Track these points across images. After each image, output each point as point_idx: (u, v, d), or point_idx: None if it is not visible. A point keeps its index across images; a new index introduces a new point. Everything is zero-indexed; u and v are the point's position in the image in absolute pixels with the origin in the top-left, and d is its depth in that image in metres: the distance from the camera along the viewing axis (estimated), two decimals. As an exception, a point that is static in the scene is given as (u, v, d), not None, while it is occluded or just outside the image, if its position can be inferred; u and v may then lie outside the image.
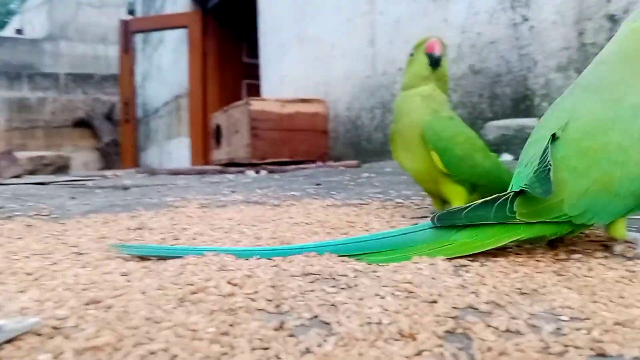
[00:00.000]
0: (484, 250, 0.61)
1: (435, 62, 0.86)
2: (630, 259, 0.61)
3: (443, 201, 0.92)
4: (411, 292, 0.50)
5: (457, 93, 2.57)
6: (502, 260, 0.60)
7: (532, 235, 0.62)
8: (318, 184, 1.48)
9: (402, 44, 2.93)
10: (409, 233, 0.63)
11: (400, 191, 1.31)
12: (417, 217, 0.90)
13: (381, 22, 3.10)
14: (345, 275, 0.56)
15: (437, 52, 0.85)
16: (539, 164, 0.60)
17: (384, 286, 0.52)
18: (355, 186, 1.45)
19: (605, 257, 0.62)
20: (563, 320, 0.44)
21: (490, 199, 0.61)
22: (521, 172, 0.65)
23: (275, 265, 0.60)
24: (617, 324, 0.42)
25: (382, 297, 0.49)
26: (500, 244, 0.61)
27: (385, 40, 3.08)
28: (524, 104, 2.23)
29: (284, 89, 4.19)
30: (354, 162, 2.85)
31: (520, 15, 2.23)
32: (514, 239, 0.61)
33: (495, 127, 2.07)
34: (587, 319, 0.44)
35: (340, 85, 3.54)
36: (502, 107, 2.34)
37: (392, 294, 0.50)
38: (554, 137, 0.62)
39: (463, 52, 2.52)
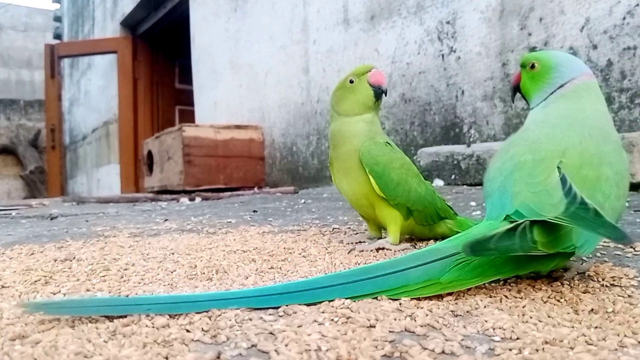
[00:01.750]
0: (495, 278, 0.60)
1: (380, 95, 0.88)
2: (555, 279, 0.64)
3: (379, 227, 0.94)
4: (349, 318, 0.50)
5: (390, 121, 2.64)
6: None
7: (541, 268, 0.61)
8: (255, 211, 1.47)
9: (335, 72, 2.99)
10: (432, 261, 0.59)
11: (337, 217, 1.32)
12: (354, 242, 0.91)
13: (314, 51, 3.15)
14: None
15: (384, 85, 0.88)
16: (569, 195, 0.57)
17: (322, 312, 0.52)
18: (292, 212, 1.45)
19: (533, 279, 0.64)
20: (495, 341, 0.45)
21: (511, 227, 0.56)
22: (514, 193, 0.62)
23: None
24: (546, 342, 0.44)
25: (320, 324, 0.49)
26: (515, 274, 0.60)
27: (319, 68, 3.13)
28: (453, 131, 2.32)
29: (219, 115, 4.17)
30: (290, 188, 2.85)
31: (447, 46, 2.33)
32: (529, 270, 0.61)
33: (427, 154, 2.13)
34: (518, 338, 0.45)
35: (275, 111, 3.56)
36: (433, 134, 2.42)
37: (331, 319, 0.50)
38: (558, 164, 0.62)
39: (394, 82, 2.60)
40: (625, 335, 0.46)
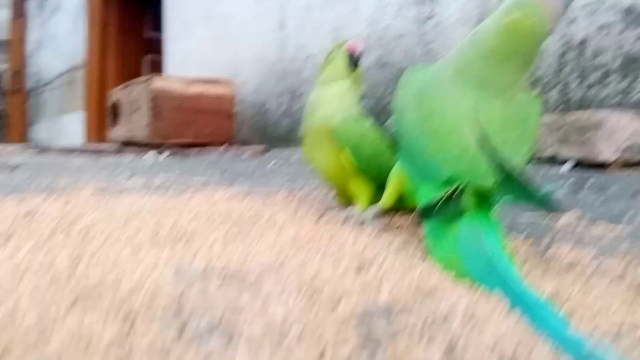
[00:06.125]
0: None
1: (355, 62, 0.86)
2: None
3: (348, 195, 0.94)
4: (315, 292, 0.50)
5: (365, 84, 2.61)
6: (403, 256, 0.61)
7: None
8: (224, 171, 1.44)
9: (312, 30, 2.93)
10: None
11: (307, 181, 1.31)
12: (323, 210, 0.91)
13: (292, 7, 3.08)
14: (250, 273, 0.55)
15: (357, 52, 0.86)
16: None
17: (288, 286, 0.51)
18: (262, 174, 1.43)
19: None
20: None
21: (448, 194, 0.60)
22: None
23: (175, 263, 0.57)
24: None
25: (286, 298, 0.49)
26: None
27: (296, 25, 3.06)
28: (426, 98, 2.31)
29: (189, 68, 4.07)
30: (260, 147, 2.83)
31: (427, 10, 2.29)
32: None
33: (399, 120, 2.13)
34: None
35: (248, 67, 3.49)
36: (406, 100, 2.40)
37: (298, 293, 0.50)
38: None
39: (371, 45, 2.56)
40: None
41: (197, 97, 3.41)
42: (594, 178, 1.25)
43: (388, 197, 0.76)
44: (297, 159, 1.87)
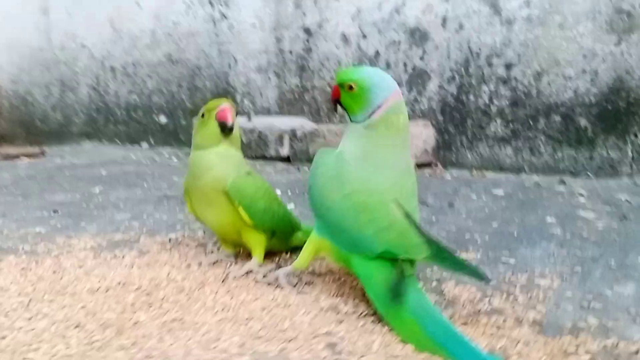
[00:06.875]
0: None
1: (228, 131, 0.87)
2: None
3: (235, 245, 0.96)
4: None
5: (153, 80, 2.52)
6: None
7: None
8: (55, 211, 1.28)
9: (85, 19, 2.69)
10: None
11: (153, 215, 1.26)
12: (213, 262, 0.92)
13: (58, -8, 2.77)
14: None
15: (229, 122, 0.86)
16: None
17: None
18: (94, 207, 1.30)
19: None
20: None
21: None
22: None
23: None
24: None
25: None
26: None
27: (62, 11, 2.77)
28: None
29: None
30: (35, 149, 2.52)
31: (218, 12, 2.30)
32: None
33: (205, 124, 2.12)
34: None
35: (3, 54, 3.04)
36: (204, 99, 2.40)
37: None
38: None
39: (158, 39, 2.47)
40: None
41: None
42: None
43: (304, 260, 0.81)
44: (90, 163, 1.73)
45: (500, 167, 1.83)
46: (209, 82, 2.38)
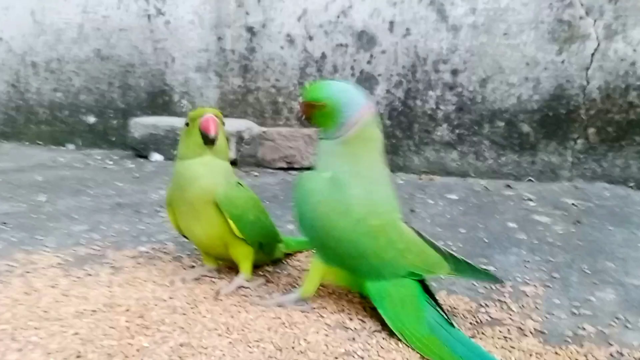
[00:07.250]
0: None
1: (210, 142, 0.82)
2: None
3: (217, 259, 0.91)
4: None
5: (81, 77, 2.36)
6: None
7: None
8: (3, 223, 1.15)
9: (1, 9, 2.47)
10: None
11: (112, 226, 1.16)
12: (197, 278, 0.86)
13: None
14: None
15: (212, 133, 0.81)
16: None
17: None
18: (47, 218, 1.18)
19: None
20: None
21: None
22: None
23: None
24: None
25: None
26: None
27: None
28: (162, 99, 2.23)
29: None
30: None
31: (153, 7, 2.19)
32: None
33: (143, 125, 2.01)
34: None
35: None
36: (138, 99, 2.28)
37: None
38: None
39: (86, 34, 2.32)
40: None
41: None
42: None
43: (311, 287, 0.77)
44: (15, 164, 1.58)
45: (446, 172, 1.87)
46: (143, 80, 2.26)
